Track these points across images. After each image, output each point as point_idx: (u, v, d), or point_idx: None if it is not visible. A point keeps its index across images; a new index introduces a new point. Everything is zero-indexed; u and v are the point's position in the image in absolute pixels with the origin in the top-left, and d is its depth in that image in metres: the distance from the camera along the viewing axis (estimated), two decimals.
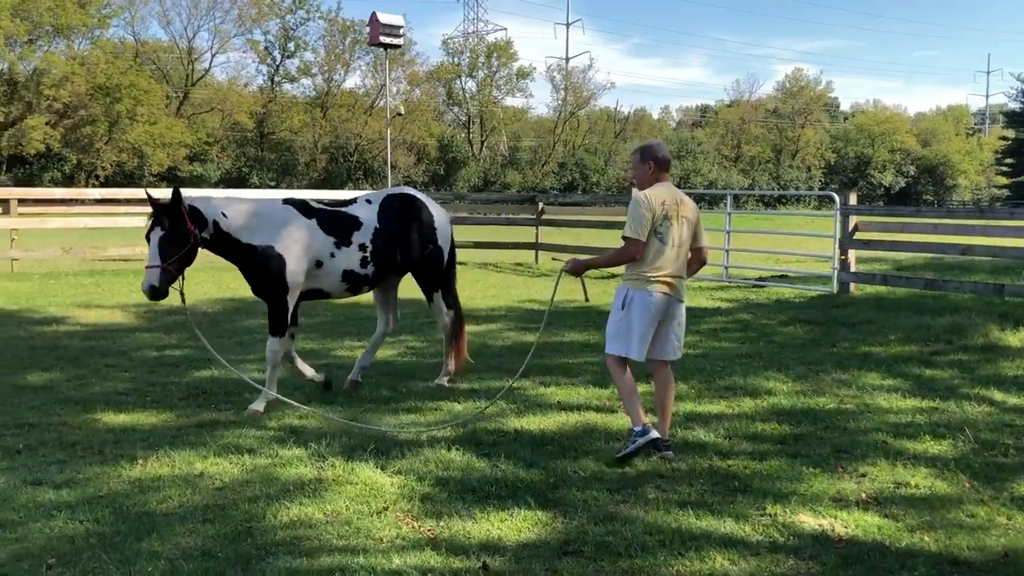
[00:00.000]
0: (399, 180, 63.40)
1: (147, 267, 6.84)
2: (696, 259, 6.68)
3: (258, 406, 7.44)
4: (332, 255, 7.67)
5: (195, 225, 7.04)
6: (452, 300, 8.63)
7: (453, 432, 6.77)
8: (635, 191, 6.59)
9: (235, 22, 64.98)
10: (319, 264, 7.63)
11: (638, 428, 6.22)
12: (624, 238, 6.32)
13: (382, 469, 5.97)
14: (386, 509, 5.30)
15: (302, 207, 7.75)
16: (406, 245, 8.12)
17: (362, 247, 7.81)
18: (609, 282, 16.26)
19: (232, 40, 66.34)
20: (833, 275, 14.62)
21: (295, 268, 7.45)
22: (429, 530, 5.01)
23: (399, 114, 56.36)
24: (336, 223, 7.78)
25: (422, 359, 9.70)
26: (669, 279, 6.31)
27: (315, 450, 6.34)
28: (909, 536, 4.95)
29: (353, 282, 7.90)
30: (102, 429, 6.91)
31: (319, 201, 8.02)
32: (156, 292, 6.79)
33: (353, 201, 8.16)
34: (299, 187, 57.16)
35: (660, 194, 6.35)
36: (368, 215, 7.97)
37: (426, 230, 8.24)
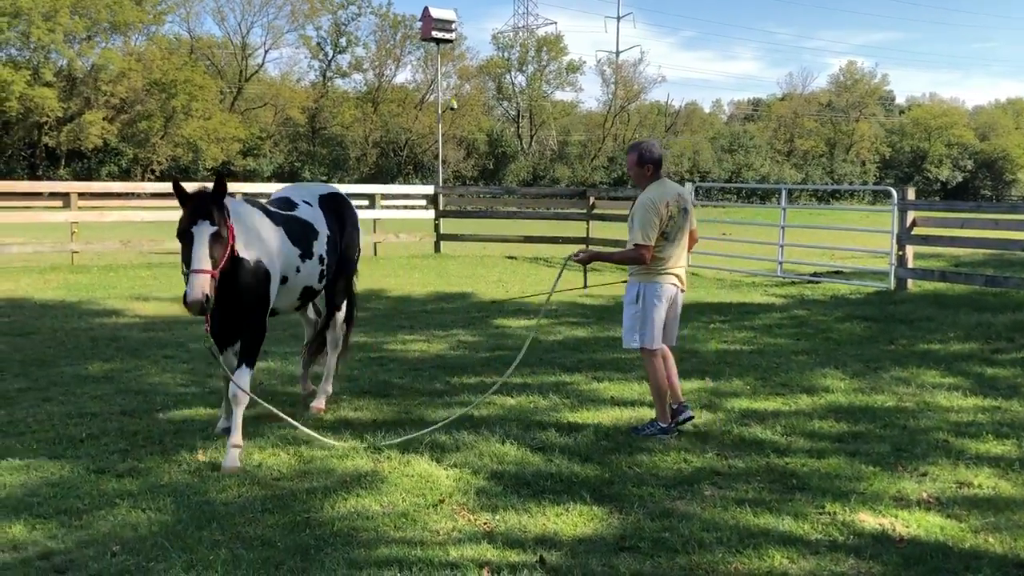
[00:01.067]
0: (449, 175, 63.59)
1: (193, 271, 5.45)
2: (690, 241, 6.92)
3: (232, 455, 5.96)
4: (298, 270, 6.68)
5: None
6: (351, 313, 7.85)
7: (504, 429, 6.76)
8: (641, 195, 6.68)
9: (288, 18, 65.55)
10: (284, 280, 6.56)
11: (665, 424, 6.66)
12: (635, 245, 6.48)
13: (437, 462, 6.00)
14: (442, 502, 5.33)
15: (264, 210, 6.58)
16: (347, 255, 7.45)
17: (321, 259, 6.91)
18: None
19: (285, 36, 66.99)
20: (890, 271, 14.38)
21: (275, 285, 6.41)
22: (485, 523, 5.02)
23: (451, 108, 56.40)
24: (298, 231, 6.74)
25: (474, 352, 9.72)
26: (677, 271, 6.66)
27: (371, 442, 6.39)
28: (973, 537, 4.85)
29: (305, 300, 7.13)
30: (162, 419, 7.02)
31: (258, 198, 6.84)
32: (203, 307, 5.45)
33: (293, 203, 7.01)
34: (350, 181, 57.55)
35: (663, 195, 6.57)
36: (320, 221, 7.05)
37: (357, 236, 7.63)
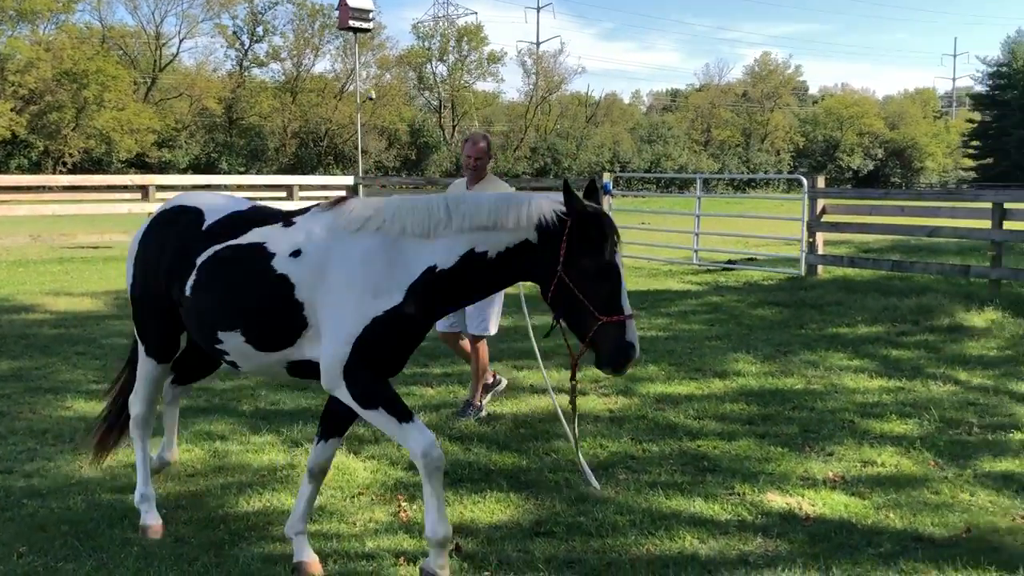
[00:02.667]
0: (370, 165, 63.06)
1: (630, 318, 3.89)
2: None
3: None
4: None
5: None
6: None
7: (426, 417, 6.79)
8: (501, 181, 7.11)
9: (203, 7, 64.18)
10: None
11: (480, 404, 7.06)
12: None
13: (355, 454, 6.00)
14: (360, 494, 5.34)
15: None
16: None
17: None
18: None
19: (200, 25, 65.54)
20: (801, 258, 14.75)
21: None
22: (403, 514, 5.04)
23: (370, 99, 55.99)
24: None
25: None
26: None
27: (287, 436, 6.35)
28: (875, 514, 5.04)
29: None
30: (73, 417, 6.87)
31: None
32: None
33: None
34: (269, 172, 56.71)
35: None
36: None
37: None
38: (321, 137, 65.82)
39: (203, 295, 4.29)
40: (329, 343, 4.03)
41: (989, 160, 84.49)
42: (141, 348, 4.75)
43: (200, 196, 4.70)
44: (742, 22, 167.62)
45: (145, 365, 4.75)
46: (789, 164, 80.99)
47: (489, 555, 4.48)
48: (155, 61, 64.33)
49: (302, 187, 21.59)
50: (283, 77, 68.80)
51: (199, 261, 4.31)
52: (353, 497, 5.29)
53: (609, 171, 38.00)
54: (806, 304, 11.95)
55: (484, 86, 77.31)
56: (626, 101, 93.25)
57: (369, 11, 30.24)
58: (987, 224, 12.29)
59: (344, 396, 4.06)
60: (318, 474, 4.45)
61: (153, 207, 18.17)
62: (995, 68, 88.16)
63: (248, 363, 4.34)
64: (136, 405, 4.84)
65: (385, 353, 4.06)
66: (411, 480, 5.54)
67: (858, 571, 4.31)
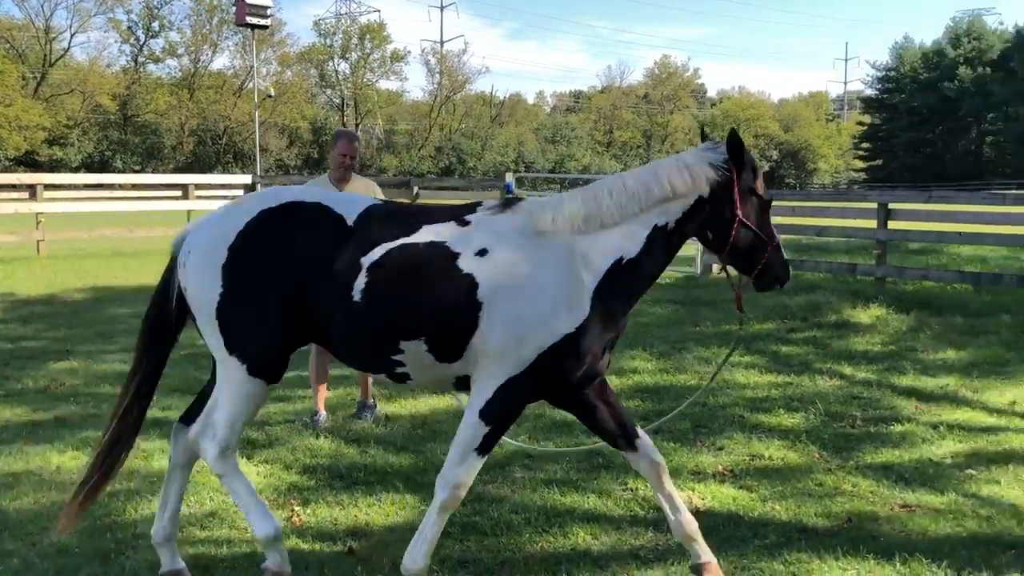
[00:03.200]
0: (271, 164, 62.05)
1: None
2: None
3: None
4: None
5: None
6: None
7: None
8: (370, 180, 7.05)
9: (95, 0, 62.29)
10: None
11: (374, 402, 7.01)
12: None
13: (248, 459, 5.90)
14: None
15: None
16: None
17: None
18: None
19: (92, 19, 63.57)
20: (697, 257, 15.07)
21: None
22: (296, 518, 4.99)
23: (269, 96, 55.10)
24: None
25: None
26: None
27: None
28: (762, 506, 5.19)
29: None
30: None
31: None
32: None
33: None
34: (165, 171, 55.31)
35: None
36: None
37: None
38: (220, 135, 64.54)
39: (381, 300, 3.80)
40: (502, 343, 3.76)
41: (878, 161, 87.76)
42: (238, 369, 3.93)
43: (306, 189, 4.16)
44: (643, 24, 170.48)
45: (246, 387, 3.95)
46: None
47: (383, 557, 4.46)
48: (45, 56, 62.11)
49: (198, 186, 21.08)
50: (180, 73, 67.27)
51: (367, 262, 3.82)
52: None
53: (512, 171, 38.18)
54: (701, 302, 12.21)
55: (388, 84, 76.93)
56: (530, 102, 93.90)
57: (267, 7, 29.80)
58: (873, 224, 12.74)
59: (475, 402, 3.89)
60: None
61: (44, 207, 17.56)
62: (884, 72, 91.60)
63: (424, 374, 3.97)
64: (224, 436, 4.00)
65: (567, 375, 3.92)
66: (305, 484, 5.49)
67: (744, 563, 4.43)
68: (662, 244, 4.03)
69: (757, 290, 4.42)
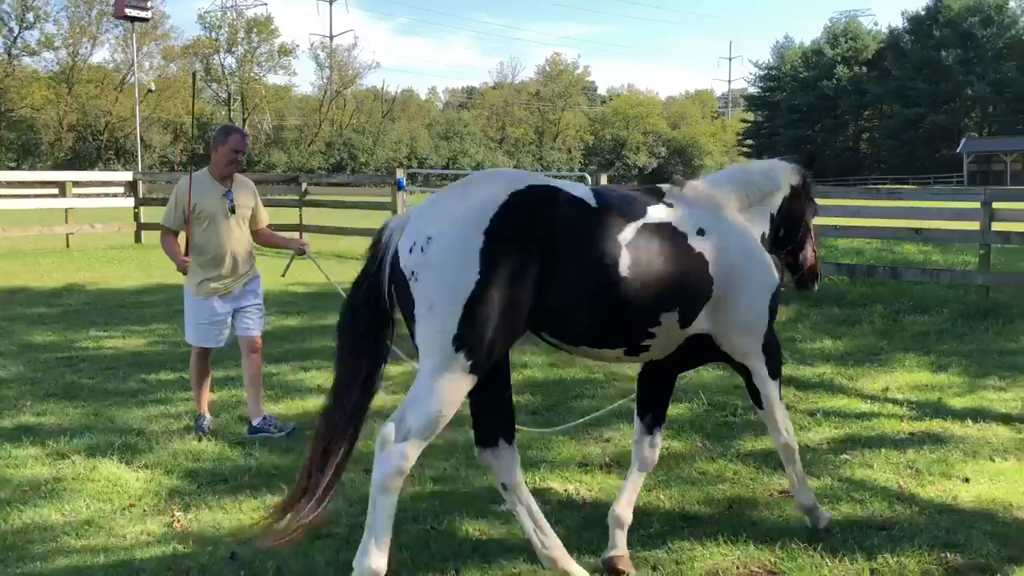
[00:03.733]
0: (155, 160, 60.25)
1: None
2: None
3: None
4: None
5: None
6: None
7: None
8: (249, 180, 6.94)
9: None
10: None
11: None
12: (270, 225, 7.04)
13: (127, 464, 5.73)
14: (132, 506, 5.09)
15: None
16: None
17: None
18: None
19: None
20: None
21: None
22: (177, 524, 4.86)
23: (149, 91, 53.45)
24: None
25: (175, 348, 9.32)
26: None
27: (53, 448, 5.98)
28: (646, 495, 5.28)
29: None
30: None
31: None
32: None
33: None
34: (43, 168, 53.09)
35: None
36: None
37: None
38: (100, 131, 62.31)
39: (645, 277, 3.93)
40: (745, 314, 4.35)
41: (762, 159, 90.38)
42: (464, 363, 3.68)
43: (529, 174, 4.05)
44: (534, 22, 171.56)
45: (462, 383, 3.74)
46: (580, 162, 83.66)
47: (267, 561, 4.38)
48: None
49: (76, 183, 20.26)
50: (58, 67, 64.61)
51: (623, 241, 3.90)
52: (124, 509, 5.04)
53: (404, 167, 37.96)
54: None
55: (276, 79, 75.63)
56: (423, 97, 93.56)
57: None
58: None
59: (758, 365, 4.54)
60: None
61: None
62: (766, 71, 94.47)
63: (666, 343, 4.23)
64: (421, 438, 3.85)
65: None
66: (187, 489, 5.34)
67: (629, 552, 4.50)
68: (774, 231, 4.80)
69: (798, 288, 5.29)
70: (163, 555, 4.44)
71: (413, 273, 3.68)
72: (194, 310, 6.50)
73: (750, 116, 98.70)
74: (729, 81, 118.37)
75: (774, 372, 4.65)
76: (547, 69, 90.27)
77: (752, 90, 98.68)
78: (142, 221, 20.10)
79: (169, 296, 12.71)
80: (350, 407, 3.91)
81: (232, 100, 71.01)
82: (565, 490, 5.35)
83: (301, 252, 6.75)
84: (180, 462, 5.79)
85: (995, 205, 10.99)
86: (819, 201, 5.32)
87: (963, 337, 9.59)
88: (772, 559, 4.43)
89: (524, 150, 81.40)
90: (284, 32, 73.14)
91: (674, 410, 6.97)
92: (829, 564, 4.36)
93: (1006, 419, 6.70)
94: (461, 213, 3.71)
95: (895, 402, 7.22)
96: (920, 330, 9.95)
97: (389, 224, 3.94)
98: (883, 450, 6.03)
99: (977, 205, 11.13)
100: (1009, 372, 8.09)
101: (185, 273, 6.43)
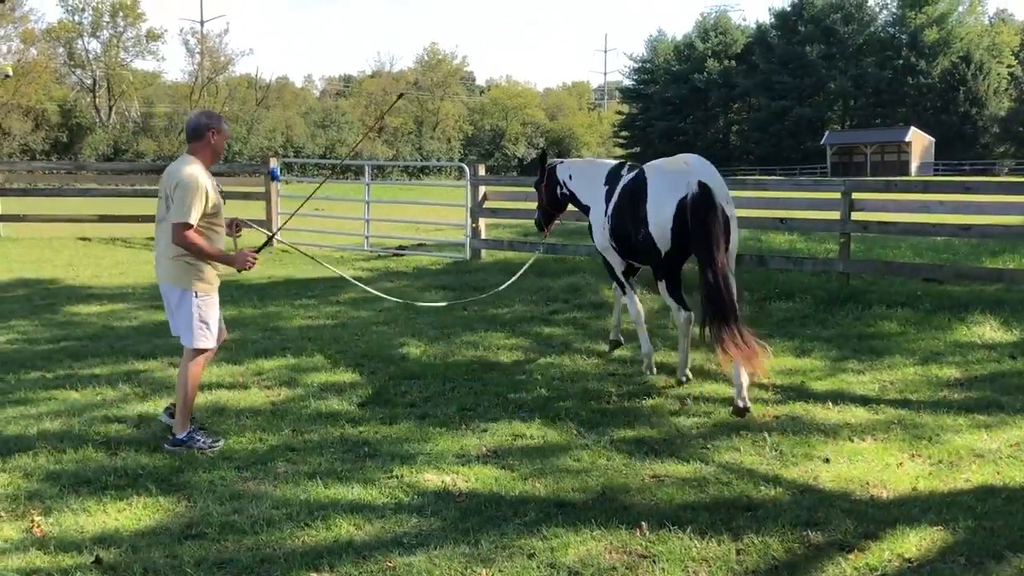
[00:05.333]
0: (15, 148, 57.39)
1: None
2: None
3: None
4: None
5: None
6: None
7: (65, 425, 6.31)
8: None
9: None
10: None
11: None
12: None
13: None
14: None
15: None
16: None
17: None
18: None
19: None
20: (466, 242, 15.29)
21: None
22: (37, 529, 4.66)
23: (6, 76, 50.82)
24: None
25: (34, 345, 8.92)
26: None
27: None
28: (522, 484, 5.34)
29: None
30: None
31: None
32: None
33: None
34: None
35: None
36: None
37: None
38: None
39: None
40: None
41: (637, 149, 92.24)
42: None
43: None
44: (412, 10, 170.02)
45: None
46: (460, 152, 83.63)
47: (133, 564, 4.25)
48: None
49: None
50: None
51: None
52: None
53: (279, 156, 37.20)
54: (470, 287, 12.39)
55: (144, 65, 73.33)
56: (299, 85, 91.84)
57: None
58: None
59: None
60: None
61: None
62: (640, 64, 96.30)
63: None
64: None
65: None
66: (48, 492, 5.13)
67: (504, 541, 4.54)
68: None
69: None
70: (21, 563, 4.25)
71: (732, 216, 7.36)
72: (211, 308, 6.01)
73: (625, 108, 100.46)
74: (605, 73, 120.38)
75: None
76: (425, 58, 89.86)
77: (627, 82, 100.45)
78: (0, 213, 19.13)
79: (30, 291, 12.18)
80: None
81: (98, 86, 68.21)
82: (443, 482, 5.36)
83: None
84: (40, 464, 5.55)
85: (854, 195, 11.47)
86: None
87: (825, 322, 10.00)
88: (644, 543, 4.54)
89: (403, 139, 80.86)
90: (151, 16, 70.63)
91: (550, 399, 7.08)
92: (698, 546, 4.50)
93: (864, 401, 7.02)
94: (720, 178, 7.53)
95: (761, 386, 7.47)
96: (785, 316, 10.33)
97: (717, 186, 7.36)
98: (749, 434, 6.24)
99: (838, 196, 11.60)
100: (867, 356, 8.48)
101: (248, 269, 6.06)
